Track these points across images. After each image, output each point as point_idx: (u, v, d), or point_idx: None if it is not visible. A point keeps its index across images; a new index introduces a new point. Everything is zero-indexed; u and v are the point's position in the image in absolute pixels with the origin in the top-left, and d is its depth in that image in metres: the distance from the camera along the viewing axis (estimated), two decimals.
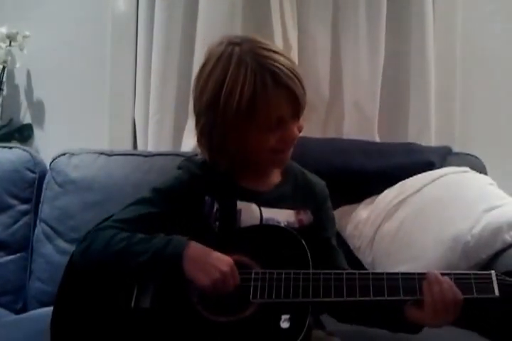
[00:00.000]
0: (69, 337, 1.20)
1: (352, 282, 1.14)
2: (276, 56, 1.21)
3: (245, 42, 1.23)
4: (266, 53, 1.20)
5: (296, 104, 1.22)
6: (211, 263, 1.15)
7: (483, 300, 1.12)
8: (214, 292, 1.14)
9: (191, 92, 1.29)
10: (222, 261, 1.16)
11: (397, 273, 1.15)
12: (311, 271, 1.16)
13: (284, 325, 1.10)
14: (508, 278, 1.12)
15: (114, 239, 1.20)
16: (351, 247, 1.80)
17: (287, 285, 1.14)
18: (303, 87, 1.22)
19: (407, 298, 1.13)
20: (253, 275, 1.17)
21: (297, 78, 1.20)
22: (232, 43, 1.23)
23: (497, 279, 1.12)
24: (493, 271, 1.13)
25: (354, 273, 1.16)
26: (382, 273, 1.16)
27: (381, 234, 1.75)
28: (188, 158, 1.42)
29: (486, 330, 1.41)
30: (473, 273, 1.14)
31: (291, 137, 1.24)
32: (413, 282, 1.13)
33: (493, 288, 1.11)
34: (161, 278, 1.20)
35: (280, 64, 1.19)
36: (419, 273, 1.14)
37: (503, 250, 1.53)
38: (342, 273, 1.15)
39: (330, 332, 1.28)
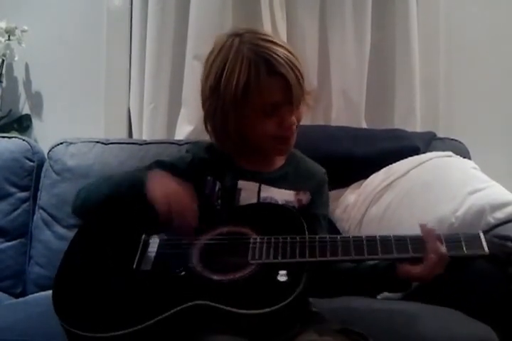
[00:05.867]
0: (70, 299, 1.17)
1: (346, 243, 1.15)
2: (273, 46, 1.24)
3: (247, 33, 1.28)
4: (263, 43, 1.24)
5: (289, 92, 1.23)
6: (170, 183, 1.21)
7: (473, 258, 1.18)
8: (169, 218, 1.17)
9: (202, 82, 1.31)
10: (182, 185, 1.21)
11: (389, 236, 1.17)
12: (306, 235, 1.17)
13: (282, 278, 1.10)
14: (495, 238, 1.14)
15: (101, 179, 1.33)
16: (340, 230, 1.78)
17: (284, 248, 1.15)
18: (297, 77, 1.23)
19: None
20: (252, 240, 1.18)
21: (292, 67, 1.22)
22: (234, 34, 1.28)
23: (485, 238, 1.12)
24: (480, 231, 1.15)
25: (348, 237, 1.18)
26: (375, 236, 1.17)
27: (368, 216, 1.73)
28: (196, 141, 1.48)
29: (469, 309, 1.39)
30: (462, 233, 1.14)
31: (286, 123, 1.27)
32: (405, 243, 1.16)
33: (482, 245, 1.11)
34: (128, 199, 1.23)
35: (275, 53, 1.22)
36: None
37: (486, 231, 1.48)
38: (336, 237, 1.18)
39: (320, 313, 1.26)
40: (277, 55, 1.22)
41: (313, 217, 1.35)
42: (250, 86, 1.21)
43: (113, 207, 1.27)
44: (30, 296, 1.74)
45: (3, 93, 2.31)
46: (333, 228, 1.73)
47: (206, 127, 1.33)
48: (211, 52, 1.30)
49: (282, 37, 2.09)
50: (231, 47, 1.25)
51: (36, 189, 1.95)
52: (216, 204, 1.31)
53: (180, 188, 1.20)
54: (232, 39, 1.26)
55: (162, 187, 1.20)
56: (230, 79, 1.22)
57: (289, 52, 1.25)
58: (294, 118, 1.27)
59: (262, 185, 1.32)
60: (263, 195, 1.31)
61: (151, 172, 1.25)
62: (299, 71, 1.24)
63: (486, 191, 1.59)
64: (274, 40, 1.26)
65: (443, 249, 1.13)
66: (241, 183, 1.32)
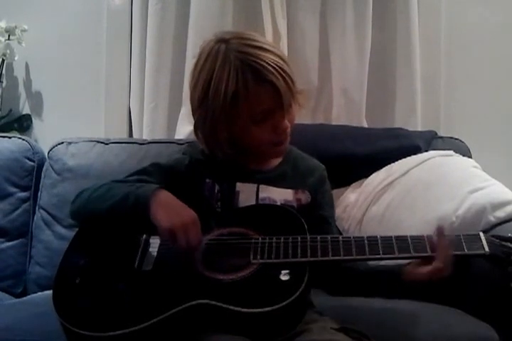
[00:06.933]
0: (71, 298, 1.17)
1: (348, 243, 1.15)
2: (261, 53, 1.21)
3: (233, 39, 1.25)
4: (250, 50, 1.21)
5: (279, 98, 1.21)
6: (176, 210, 1.16)
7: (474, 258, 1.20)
8: (172, 238, 1.13)
9: (188, 83, 1.31)
10: (187, 212, 1.16)
11: (390, 237, 1.16)
12: (308, 235, 1.17)
13: (284, 277, 1.09)
14: (494, 239, 1.14)
15: (101, 187, 1.27)
16: (340, 229, 1.77)
17: (286, 248, 1.15)
18: (287, 82, 1.21)
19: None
20: (253, 241, 1.17)
21: (281, 74, 1.20)
22: (220, 40, 1.25)
23: (485, 238, 1.13)
24: (480, 232, 1.15)
25: (349, 237, 1.17)
26: (375, 236, 1.16)
27: (369, 216, 1.73)
28: (192, 143, 1.43)
29: (470, 307, 1.39)
30: (462, 234, 1.15)
31: (279, 128, 1.26)
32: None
33: (482, 245, 1.12)
34: (130, 218, 1.20)
35: (263, 60, 1.20)
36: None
37: (487, 230, 1.50)
38: (338, 237, 1.17)
39: (320, 312, 1.26)
40: (265, 61, 1.19)
41: (322, 219, 1.35)
42: (239, 95, 1.20)
43: (112, 221, 1.25)
44: (31, 296, 1.74)
45: (3, 93, 2.31)
46: None
47: (197, 135, 1.32)
48: (198, 60, 1.28)
49: (283, 37, 2.08)
50: (218, 54, 1.23)
51: (36, 189, 1.95)
52: (216, 207, 1.30)
53: (186, 219, 1.14)
54: (219, 46, 1.24)
55: (168, 218, 1.14)
56: (217, 89, 1.20)
57: (278, 56, 1.23)
58: (286, 122, 1.26)
59: (261, 186, 1.31)
60: (261, 195, 1.30)
61: (155, 191, 1.18)
62: (288, 76, 1.21)
63: (486, 190, 1.58)
64: (262, 46, 1.24)
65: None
66: (239, 185, 1.31)
